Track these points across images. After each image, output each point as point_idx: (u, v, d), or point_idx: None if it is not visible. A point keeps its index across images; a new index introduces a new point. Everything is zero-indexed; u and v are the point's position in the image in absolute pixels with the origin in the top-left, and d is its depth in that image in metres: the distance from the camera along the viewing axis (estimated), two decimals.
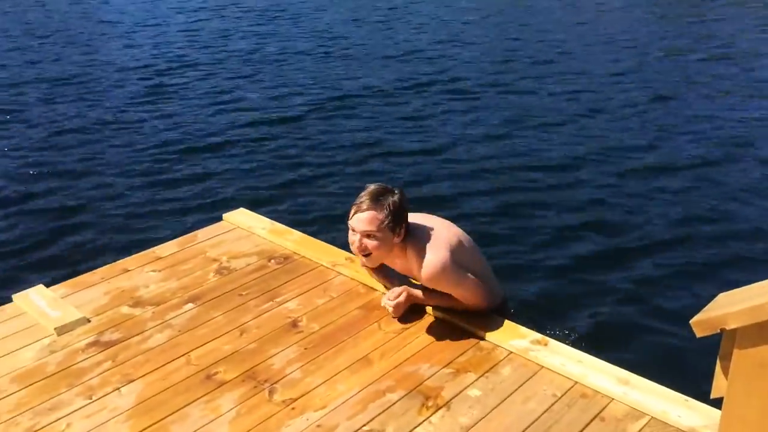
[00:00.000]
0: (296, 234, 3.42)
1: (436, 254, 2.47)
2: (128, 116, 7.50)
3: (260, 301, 2.85)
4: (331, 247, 3.30)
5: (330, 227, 4.48)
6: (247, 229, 3.50)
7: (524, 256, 4.34)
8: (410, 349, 2.51)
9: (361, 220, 2.42)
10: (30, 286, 2.97)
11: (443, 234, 2.57)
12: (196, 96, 8.28)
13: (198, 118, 7.43)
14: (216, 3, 15.45)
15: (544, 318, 3.39)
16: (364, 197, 2.45)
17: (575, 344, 2.59)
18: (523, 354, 2.44)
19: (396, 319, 2.68)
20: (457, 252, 2.52)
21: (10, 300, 2.88)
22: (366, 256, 2.50)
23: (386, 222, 2.41)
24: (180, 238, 3.45)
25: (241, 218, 3.61)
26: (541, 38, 11.14)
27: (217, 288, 2.96)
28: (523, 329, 2.59)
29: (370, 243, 2.44)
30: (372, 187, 2.49)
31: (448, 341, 2.55)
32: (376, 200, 2.42)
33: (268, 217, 3.66)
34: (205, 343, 2.57)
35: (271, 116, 7.52)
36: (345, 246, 3.36)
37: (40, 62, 10.09)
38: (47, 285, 2.97)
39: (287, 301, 2.85)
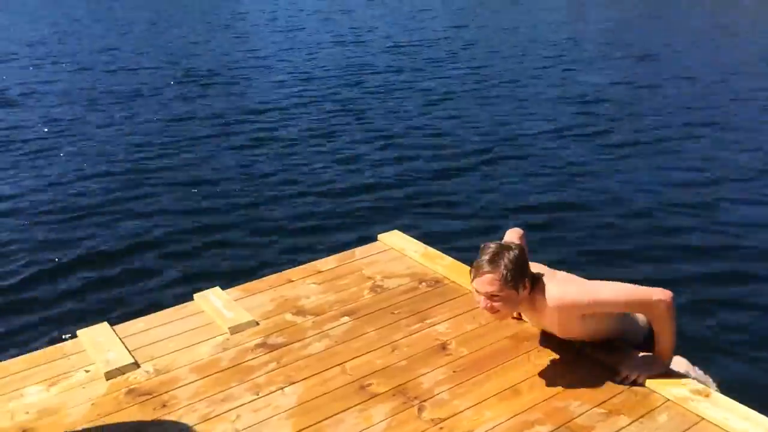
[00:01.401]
0: (447, 259, 3.51)
1: (556, 286, 2.47)
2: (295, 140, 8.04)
3: (411, 321, 2.97)
4: None
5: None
6: (399, 251, 3.65)
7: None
8: (560, 384, 2.50)
9: (482, 282, 2.42)
10: (208, 287, 3.29)
11: (564, 275, 2.58)
12: (364, 124, 8.70)
13: (354, 140, 7.81)
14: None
15: (700, 359, 3.21)
16: (482, 260, 2.45)
17: (737, 393, 2.44)
18: (682, 403, 2.35)
19: (546, 353, 2.68)
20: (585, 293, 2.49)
21: (191, 298, 3.21)
22: (493, 313, 2.51)
23: (507, 281, 2.40)
24: (338, 255, 3.66)
25: (394, 240, 3.77)
26: None
27: (371, 305, 3.12)
28: (683, 377, 2.49)
29: (496, 303, 2.45)
30: (489, 247, 2.48)
31: (600, 380, 2.51)
32: (493, 261, 2.41)
33: (420, 240, 3.79)
34: (359, 356, 2.71)
35: (428, 140, 7.76)
36: None
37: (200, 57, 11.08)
38: (222, 288, 3.28)
39: (437, 324, 2.94)
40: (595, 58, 12.91)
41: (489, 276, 2.40)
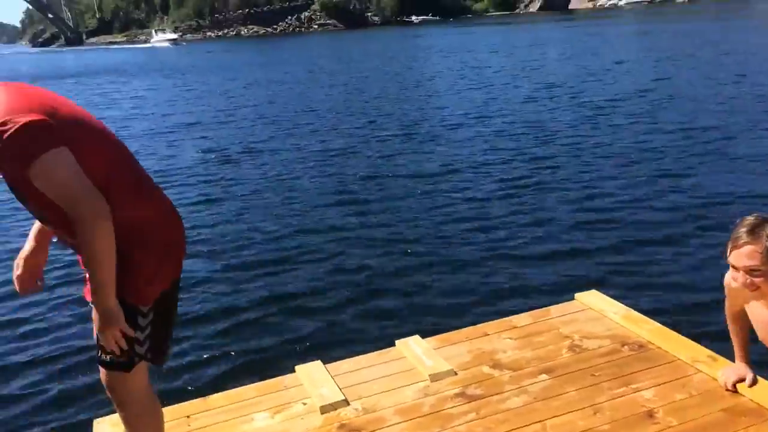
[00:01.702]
0: (653, 324, 3.38)
1: None
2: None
3: (613, 385, 2.89)
4: (691, 341, 3.19)
5: (688, 319, 4.31)
6: (599, 312, 3.57)
7: None
8: None
9: (741, 255, 2.28)
10: (407, 335, 3.49)
11: None
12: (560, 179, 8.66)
13: (549, 200, 7.77)
14: None
15: None
16: (740, 231, 2.30)
17: None
18: None
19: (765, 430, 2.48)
20: None
21: (392, 343, 3.41)
22: (753, 290, 2.36)
23: None
24: (534, 311, 3.68)
25: (593, 300, 3.70)
26: None
27: (569, 364, 3.09)
28: None
29: (756, 279, 2.28)
30: (747, 219, 2.33)
31: None
32: (754, 233, 2.25)
33: (619, 300, 3.69)
34: (559, 415, 2.70)
35: (623, 197, 7.50)
36: (705, 341, 3.25)
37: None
38: (421, 336, 3.45)
39: (642, 390, 2.84)
40: None
41: (749, 248, 2.26)
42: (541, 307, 3.77)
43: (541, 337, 3.39)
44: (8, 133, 1.78)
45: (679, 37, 34.36)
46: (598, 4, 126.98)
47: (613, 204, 7.39)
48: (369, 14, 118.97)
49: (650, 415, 2.66)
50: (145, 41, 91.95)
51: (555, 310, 3.69)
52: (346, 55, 41.33)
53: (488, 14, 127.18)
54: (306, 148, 11.82)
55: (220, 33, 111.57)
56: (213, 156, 11.74)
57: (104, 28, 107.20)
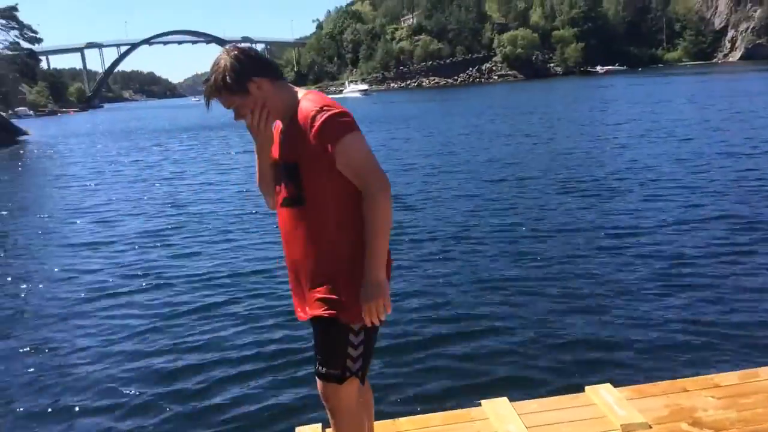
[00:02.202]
0: None
1: None
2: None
3: None
4: None
5: None
6: None
7: None
8: None
9: None
10: (596, 382, 3.41)
11: None
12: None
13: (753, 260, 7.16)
14: None
15: None
16: None
17: None
18: None
19: None
20: None
21: (581, 389, 3.35)
22: None
23: None
24: (741, 372, 3.44)
25: None
26: None
27: None
28: None
29: None
30: None
31: None
32: None
33: None
34: None
35: None
36: None
37: None
38: (613, 385, 3.35)
39: None
40: None
41: None
42: (749, 368, 3.51)
43: (748, 399, 3.15)
44: (331, 112, 2.23)
45: None
46: None
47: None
48: (551, 65, 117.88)
49: None
50: (336, 91, 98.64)
51: (764, 372, 3.41)
52: (527, 104, 41.25)
53: (681, 64, 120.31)
54: (481, 196, 11.95)
55: (402, 84, 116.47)
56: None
57: (300, 80, 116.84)
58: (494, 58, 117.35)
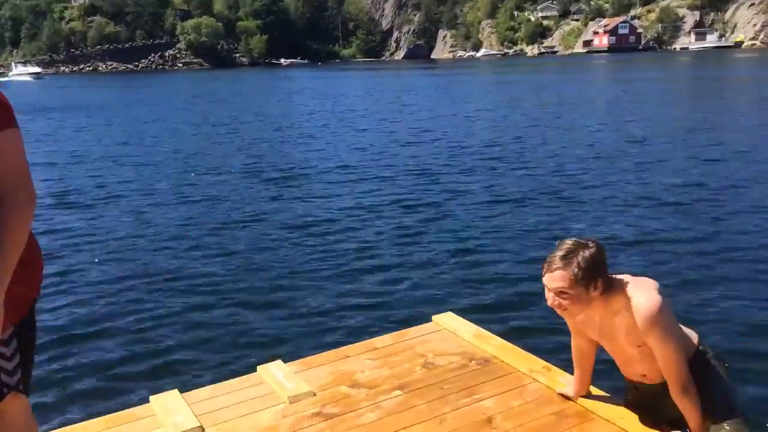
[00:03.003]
0: (498, 340, 3.66)
1: (647, 296, 2.43)
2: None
3: (459, 396, 3.10)
4: (530, 354, 3.49)
5: (530, 335, 4.70)
6: (452, 331, 3.81)
7: None
8: None
9: (552, 278, 2.43)
10: (271, 360, 3.54)
11: (650, 282, 2.52)
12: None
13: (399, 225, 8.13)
14: None
15: None
16: (555, 256, 2.44)
17: None
18: None
19: (587, 429, 2.77)
20: (667, 303, 2.46)
21: (255, 369, 3.45)
22: (562, 311, 2.54)
23: (578, 279, 2.39)
24: (394, 333, 3.87)
25: (448, 321, 3.94)
26: None
27: (422, 380, 3.28)
28: None
29: (564, 301, 2.45)
30: (564, 243, 2.47)
31: None
32: (566, 258, 2.41)
33: (472, 321, 3.96)
34: (408, 426, 2.86)
35: (484, 227, 8.01)
36: (543, 354, 3.57)
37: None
38: (284, 361, 3.51)
39: (484, 399, 3.07)
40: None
41: (559, 272, 2.40)
42: (401, 329, 3.96)
43: (398, 356, 3.56)
44: None
45: (529, 84, 37.32)
46: (457, 55, 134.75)
47: (468, 234, 7.86)
48: (237, 55, 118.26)
49: (489, 421, 2.89)
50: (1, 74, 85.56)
51: (413, 331, 3.89)
52: (216, 94, 40.83)
53: (355, 60, 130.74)
54: (169, 191, 11.53)
55: (75, 68, 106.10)
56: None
57: None
58: (178, 45, 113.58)
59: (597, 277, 2.43)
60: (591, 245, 2.44)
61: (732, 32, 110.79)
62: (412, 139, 17.02)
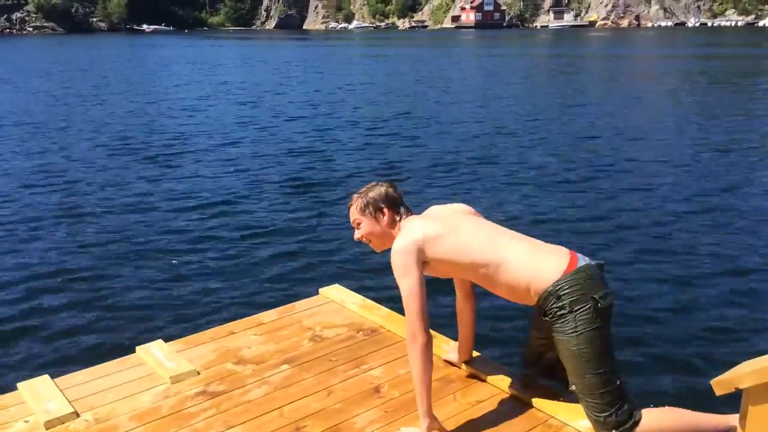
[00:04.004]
0: (384, 310, 3.71)
1: (399, 238, 2.54)
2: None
3: (347, 367, 3.13)
4: None
5: None
6: (339, 303, 3.83)
7: None
8: (482, 422, 2.69)
9: (350, 212, 2.72)
10: (151, 341, 3.39)
11: (421, 222, 2.60)
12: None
13: (288, 196, 8.05)
14: None
15: None
16: (354, 194, 2.74)
17: None
18: None
19: (470, 393, 2.89)
20: (432, 242, 2.49)
21: (133, 351, 3.28)
22: (366, 242, 2.74)
23: (366, 209, 2.65)
24: (280, 308, 3.82)
25: (335, 293, 3.95)
26: None
27: (309, 353, 3.27)
28: None
29: (357, 231, 2.70)
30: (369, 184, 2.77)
31: (517, 417, 2.71)
32: (359, 193, 2.71)
33: (359, 293, 3.99)
34: (296, 400, 2.85)
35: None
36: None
37: None
38: (165, 341, 3.37)
39: (372, 369, 3.11)
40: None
41: (352, 205, 2.70)
42: (287, 303, 3.92)
43: (285, 330, 3.52)
44: None
45: (405, 58, 37.93)
46: (330, 26, 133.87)
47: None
48: (94, 19, 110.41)
49: (377, 390, 2.93)
50: None
51: (299, 305, 3.86)
52: (75, 61, 37.98)
53: (224, 28, 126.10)
54: (28, 171, 10.64)
55: None
56: None
57: None
58: (26, 7, 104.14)
59: (382, 209, 2.65)
60: (382, 184, 2.73)
61: (586, 11, 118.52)
62: (294, 113, 16.73)
